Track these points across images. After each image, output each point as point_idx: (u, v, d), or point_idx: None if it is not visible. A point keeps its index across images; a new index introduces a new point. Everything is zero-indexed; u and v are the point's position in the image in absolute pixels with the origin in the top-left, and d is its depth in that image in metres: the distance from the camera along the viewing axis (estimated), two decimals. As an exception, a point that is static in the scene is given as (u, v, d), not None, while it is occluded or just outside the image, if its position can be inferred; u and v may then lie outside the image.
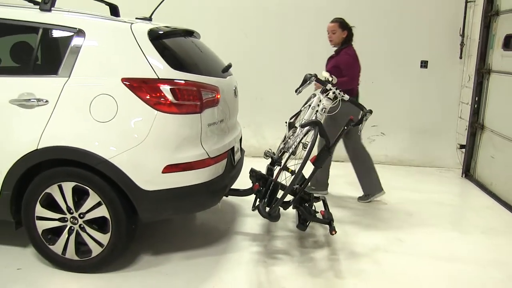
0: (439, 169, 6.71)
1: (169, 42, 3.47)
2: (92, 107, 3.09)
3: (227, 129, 3.87)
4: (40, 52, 3.33)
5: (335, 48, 4.84)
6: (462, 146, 6.46)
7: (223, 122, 3.74)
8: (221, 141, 3.63)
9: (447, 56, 6.52)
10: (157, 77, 3.12)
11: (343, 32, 4.73)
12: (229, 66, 4.07)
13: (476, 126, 6.10)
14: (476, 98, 6.06)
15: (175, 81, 3.16)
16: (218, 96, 3.54)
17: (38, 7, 3.39)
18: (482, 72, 5.96)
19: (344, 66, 4.64)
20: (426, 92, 6.63)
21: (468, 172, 6.33)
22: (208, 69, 3.71)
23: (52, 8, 3.35)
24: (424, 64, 6.56)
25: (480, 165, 6.07)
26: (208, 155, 3.35)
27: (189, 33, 4.02)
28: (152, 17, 3.92)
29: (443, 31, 6.47)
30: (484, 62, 5.95)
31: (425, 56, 6.55)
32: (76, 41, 3.21)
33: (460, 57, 6.46)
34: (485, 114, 5.94)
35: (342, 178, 5.94)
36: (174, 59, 3.32)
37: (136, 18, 3.78)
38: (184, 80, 3.21)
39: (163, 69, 3.16)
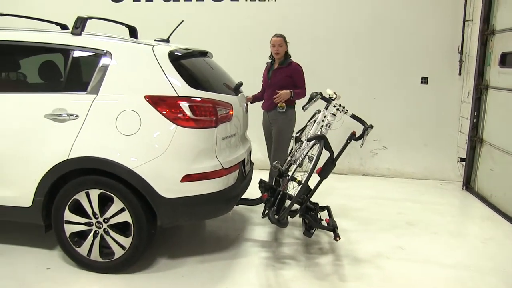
0: (441, 181, 6.89)
1: (186, 63, 3.80)
2: (118, 122, 3.41)
3: (239, 143, 4.18)
4: (71, 71, 3.66)
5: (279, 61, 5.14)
6: (462, 159, 6.67)
7: (235, 136, 4.04)
8: (234, 153, 3.93)
9: (446, 73, 6.74)
10: (176, 95, 3.43)
11: (286, 46, 5.09)
12: (240, 84, 4.38)
13: (475, 140, 6.32)
14: (475, 113, 6.27)
15: (193, 98, 3.47)
16: (231, 112, 3.85)
17: (69, 31, 3.75)
18: (480, 88, 6.19)
19: (300, 78, 5.07)
20: (426, 107, 6.86)
21: (468, 184, 6.51)
22: (222, 87, 4.02)
23: (82, 32, 3.70)
24: (424, 80, 6.80)
25: (480, 178, 6.27)
26: (222, 166, 3.65)
27: (203, 53, 4.34)
28: (169, 39, 4.25)
29: (442, 49, 6.70)
30: (482, 79, 6.18)
31: (425, 72, 6.79)
32: (103, 61, 3.55)
33: (459, 74, 6.67)
34: (484, 128, 6.16)
35: (346, 190, 6.22)
36: (191, 78, 3.64)
37: (155, 40, 4.12)
38: (201, 98, 3.52)
39: (182, 87, 3.47)
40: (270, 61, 5.22)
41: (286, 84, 4.96)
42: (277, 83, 4.99)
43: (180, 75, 3.53)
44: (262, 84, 5.33)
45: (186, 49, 3.98)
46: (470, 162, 6.47)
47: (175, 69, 3.54)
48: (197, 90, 3.55)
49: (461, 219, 5.54)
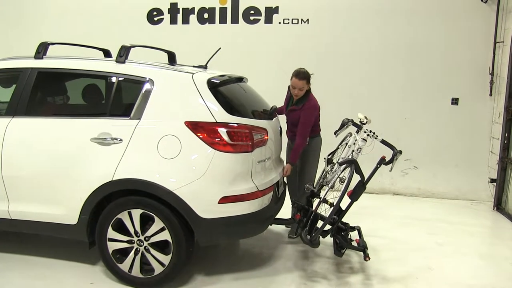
0: (471, 202, 6.88)
1: (224, 89, 3.99)
2: (159, 146, 3.61)
3: (273, 165, 4.34)
4: (115, 97, 3.92)
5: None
6: (493, 180, 6.65)
7: (270, 159, 4.21)
8: (268, 176, 4.10)
9: (477, 93, 6.77)
10: (215, 121, 3.63)
11: (308, 85, 4.72)
12: (274, 109, 4.55)
13: (506, 161, 6.32)
14: (506, 134, 6.28)
15: (230, 124, 3.66)
16: (266, 137, 4.03)
17: (112, 58, 4.01)
18: (511, 110, 6.22)
19: (302, 123, 4.67)
20: (457, 127, 6.89)
21: (499, 205, 6.50)
22: (257, 112, 4.21)
23: (126, 60, 3.94)
24: (455, 101, 6.84)
25: (511, 199, 6.25)
26: (257, 188, 3.81)
27: (239, 79, 4.54)
28: (207, 65, 4.46)
29: (473, 70, 6.75)
30: (513, 101, 6.22)
31: (456, 93, 6.83)
32: (146, 88, 3.77)
33: (490, 94, 6.69)
34: (515, 150, 6.19)
35: (376, 209, 6.30)
36: (229, 105, 3.82)
37: (193, 66, 4.34)
38: (238, 124, 3.70)
39: (220, 114, 3.66)
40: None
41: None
42: (291, 121, 4.89)
43: (218, 101, 3.72)
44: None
45: (223, 75, 4.17)
46: (501, 183, 6.46)
47: (213, 96, 3.73)
48: (234, 116, 3.73)
49: (491, 240, 5.54)
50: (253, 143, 3.77)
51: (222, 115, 3.66)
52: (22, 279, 3.99)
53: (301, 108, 4.72)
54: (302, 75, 4.62)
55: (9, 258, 4.37)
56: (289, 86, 4.89)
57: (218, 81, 3.94)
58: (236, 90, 4.31)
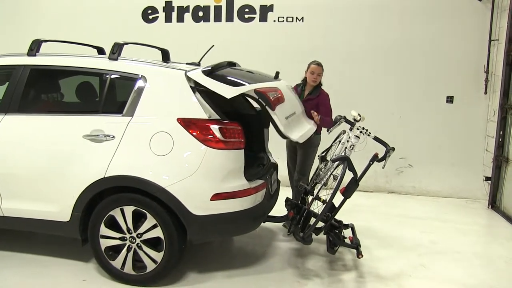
0: (466, 200, 6.88)
1: (222, 72, 4.00)
2: (151, 143, 3.61)
3: (303, 120, 4.60)
4: (108, 94, 3.91)
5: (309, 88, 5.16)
6: (487, 178, 6.66)
7: (295, 114, 4.38)
8: (302, 128, 4.35)
9: (472, 92, 6.78)
10: (207, 118, 3.62)
11: (322, 74, 5.14)
12: (278, 73, 4.60)
13: (501, 159, 6.33)
14: (501, 132, 6.30)
15: (222, 121, 3.66)
16: (281, 92, 4.10)
17: (106, 55, 4.00)
18: (506, 108, 6.22)
19: (325, 109, 5.05)
20: (452, 125, 6.90)
21: (494, 203, 6.51)
22: (262, 78, 4.32)
23: (119, 58, 3.93)
24: (450, 99, 6.84)
25: (506, 197, 6.26)
26: (296, 141, 4.05)
27: (232, 64, 4.53)
28: (200, 62, 4.46)
29: (468, 68, 6.76)
30: (508, 98, 6.22)
31: (451, 91, 6.84)
32: (139, 85, 3.77)
33: (485, 93, 6.70)
34: (509, 148, 6.17)
35: (371, 208, 6.30)
36: (232, 81, 3.83)
37: (187, 64, 4.33)
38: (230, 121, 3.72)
39: (227, 90, 3.65)
40: (300, 84, 5.21)
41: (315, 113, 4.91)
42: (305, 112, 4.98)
43: (219, 81, 3.70)
44: None
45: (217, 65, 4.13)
46: (495, 181, 6.48)
47: (213, 79, 3.70)
48: (241, 87, 3.74)
49: (485, 239, 5.55)
50: (273, 103, 3.80)
51: (230, 91, 3.64)
52: (15, 277, 3.97)
53: (318, 95, 5.07)
54: (318, 62, 5.13)
55: (3, 256, 4.35)
56: (296, 85, 5.17)
57: (211, 67, 3.88)
58: (233, 71, 4.31)
